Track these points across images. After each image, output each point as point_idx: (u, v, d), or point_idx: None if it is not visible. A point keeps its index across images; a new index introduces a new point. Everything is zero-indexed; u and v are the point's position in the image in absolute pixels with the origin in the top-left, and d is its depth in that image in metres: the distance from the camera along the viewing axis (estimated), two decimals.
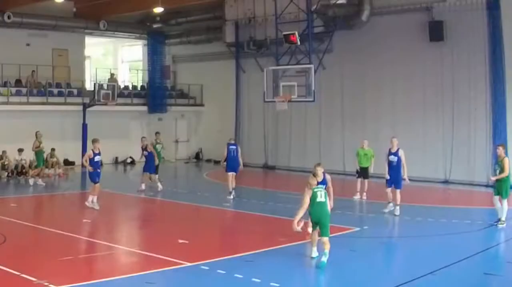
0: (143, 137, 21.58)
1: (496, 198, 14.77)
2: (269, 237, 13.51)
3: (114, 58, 37.48)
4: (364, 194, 18.83)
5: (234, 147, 19.09)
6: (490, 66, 22.44)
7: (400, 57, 24.86)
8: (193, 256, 11.37)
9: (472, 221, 15.40)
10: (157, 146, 21.85)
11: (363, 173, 18.94)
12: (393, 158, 15.99)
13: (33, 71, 27.48)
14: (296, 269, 11.09)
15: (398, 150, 15.98)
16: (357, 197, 18.86)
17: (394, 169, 15.96)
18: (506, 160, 14.57)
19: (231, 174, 18.89)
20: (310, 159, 27.57)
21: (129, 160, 30.72)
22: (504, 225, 14.57)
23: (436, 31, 23.55)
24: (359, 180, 19.00)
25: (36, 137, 22.31)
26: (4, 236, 12.70)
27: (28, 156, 24.87)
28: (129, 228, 15.52)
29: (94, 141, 17.09)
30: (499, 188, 14.65)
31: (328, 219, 11.06)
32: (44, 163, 23.22)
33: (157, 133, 23.07)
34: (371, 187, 18.82)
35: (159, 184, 20.76)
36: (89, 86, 31.28)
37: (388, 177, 16.05)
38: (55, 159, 25.24)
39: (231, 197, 18.75)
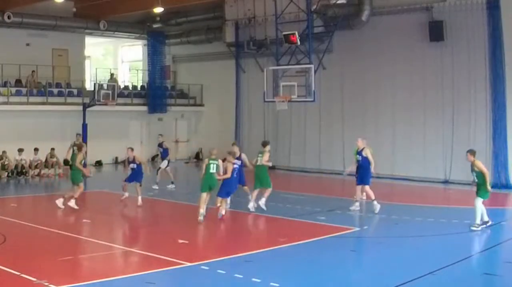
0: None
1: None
2: (269, 237, 13.52)
3: (114, 58, 37.47)
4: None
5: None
6: (490, 66, 22.45)
7: (400, 57, 24.87)
8: (193, 256, 11.38)
9: (472, 221, 15.37)
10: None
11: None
12: (358, 157, 16.90)
13: (33, 71, 27.50)
14: (296, 269, 11.10)
15: (363, 149, 16.79)
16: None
17: (361, 167, 16.78)
18: (478, 162, 14.32)
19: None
20: (310, 159, 27.70)
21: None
22: (479, 228, 14.19)
23: (436, 31, 23.56)
24: None
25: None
26: (4, 236, 12.71)
27: (28, 156, 24.95)
28: (129, 228, 15.52)
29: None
30: (478, 188, 14.42)
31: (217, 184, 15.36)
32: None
33: (77, 134, 23.40)
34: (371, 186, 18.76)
35: (126, 193, 18.68)
36: (89, 86, 31.29)
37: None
38: (55, 159, 25.29)
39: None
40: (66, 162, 23.82)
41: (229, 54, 30.22)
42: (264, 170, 16.90)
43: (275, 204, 17.68)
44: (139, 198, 17.89)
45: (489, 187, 14.38)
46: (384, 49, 25.29)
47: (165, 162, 21.83)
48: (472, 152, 14.59)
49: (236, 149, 17.14)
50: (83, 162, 17.09)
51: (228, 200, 16.34)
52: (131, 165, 18.32)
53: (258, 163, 16.90)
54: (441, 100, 23.99)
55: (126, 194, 18.28)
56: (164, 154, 22.05)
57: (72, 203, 16.57)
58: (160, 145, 22.22)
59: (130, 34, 32.94)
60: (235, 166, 16.10)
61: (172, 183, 21.82)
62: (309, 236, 13.24)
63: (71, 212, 17.42)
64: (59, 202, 16.73)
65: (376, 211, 16.32)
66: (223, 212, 15.69)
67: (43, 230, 14.13)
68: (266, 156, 16.83)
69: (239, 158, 16.95)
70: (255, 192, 16.81)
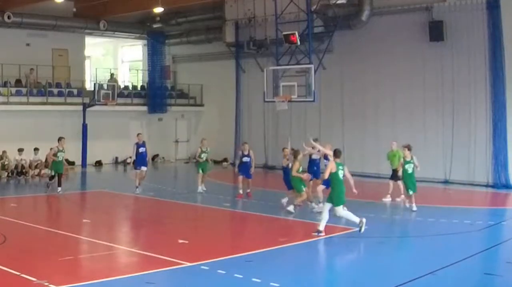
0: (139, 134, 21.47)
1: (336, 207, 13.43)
2: (269, 237, 13.51)
3: (114, 58, 37.47)
4: (402, 196, 18.53)
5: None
6: (490, 66, 22.45)
7: (400, 57, 24.87)
8: (193, 256, 11.37)
9: (472, 221, 15.40)
10: (59, 153, 20.17)
11: (392, 174, 18.82)
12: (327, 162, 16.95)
13: (31, 69, 27.43)
14: (296, 269, 11.10)
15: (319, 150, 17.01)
16: (400, 198, 18.65)
17: (317, 164, 17.55)
18: (329, 164, 13.57)
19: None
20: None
21: (129, 160, 30.67)
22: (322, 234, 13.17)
23: (436, 31, 23.56)
24: (399, 182, 18.79)
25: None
26: (4, 236, 12.71)
27: (28, 156, 24.96)
28: (129, 228, 15.52)
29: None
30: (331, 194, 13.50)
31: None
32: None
33: (60, 139, 20.32)
34: (370, 187, 18.78)
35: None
36: (89, 86, 31.31)
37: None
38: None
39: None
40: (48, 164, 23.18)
41: (229, 54, 30.22)
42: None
43: (275, 204, 17.67)
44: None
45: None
46: (384, 49, 25.29)
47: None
48: (337, 153, 13.66)
49: (246, 146, 19.66)
50: (300, 169, 16.24)
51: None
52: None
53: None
54: (441, 100, 23.99)
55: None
56: (146, 154, 20.74)
57: (290, 208, 16.26)
58: (142, 145, 20.39)
59: (130, 34, 32.94)
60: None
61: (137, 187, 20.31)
62: (309, 236, 13.24)
63: (71, 212, 17.45)
64: (291, 208, 16.28)
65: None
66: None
67: (43, 230, 14.13)
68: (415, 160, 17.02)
69: (248, 155, 19.36)
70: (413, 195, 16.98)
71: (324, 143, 17.36)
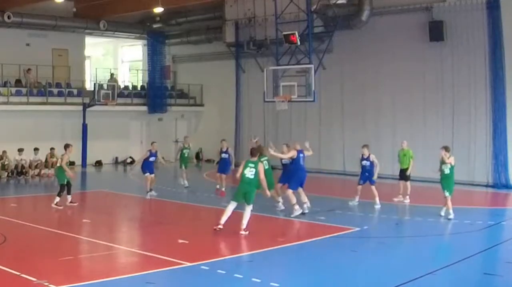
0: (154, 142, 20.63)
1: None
2: (269, 237, 13.50)
3: (114, 58, 37.47)
4: (407, 196, 18.51)
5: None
6: (490, 66, 22.48)
7: (400, 57, 24.88)
8: (193, 256, 11.37)
9: (472, 221, 15.40)
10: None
11: (402, 174, 18.81)
12: (365, 163, 17.77)
13: (29, 69, 27.39)
14: (296, 269, 11.10)
15: (369, 155, 17.74)
16: (398, 199, 18.61)
17: (368, 170, 17.73)
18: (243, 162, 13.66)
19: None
20: (310, 158, 27.58)
21: (129, 160, 30.72)
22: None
23: (436, 31, 23.58)
24: (401, 182, 18.83)
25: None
26: (4, 236, 12.71)
27: (28, 156, 24.96)
28: (129, 228, 15.51)
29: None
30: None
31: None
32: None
33: (68, 146, 18.51)
34: (370, 187, 18.72)
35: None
36: (89, 86, 31.30)
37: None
38: (55, 159, 25.25)
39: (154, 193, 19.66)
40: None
41: (229, 54, 30.22)
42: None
43: (274, 204, 17.67)
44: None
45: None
46: (384, 49, 25.29)
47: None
48: (251, 151, 13.79)
49: (224, 144, 20.66)
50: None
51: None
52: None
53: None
54: (441, 100, 24.01)
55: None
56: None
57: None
58: (155, 154, 19.87)
59: (130, 34, 32.93)
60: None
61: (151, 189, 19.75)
62: (309, 236, 13.25)
63: (71, 212, 17.43)
64: None
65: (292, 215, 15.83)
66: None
67: (43, 230, 14.12)
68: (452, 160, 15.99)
69: (226, 152, 20.25)
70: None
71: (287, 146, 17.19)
